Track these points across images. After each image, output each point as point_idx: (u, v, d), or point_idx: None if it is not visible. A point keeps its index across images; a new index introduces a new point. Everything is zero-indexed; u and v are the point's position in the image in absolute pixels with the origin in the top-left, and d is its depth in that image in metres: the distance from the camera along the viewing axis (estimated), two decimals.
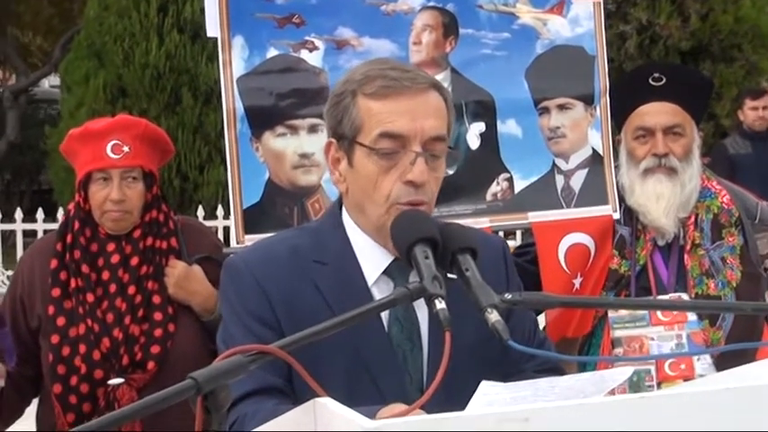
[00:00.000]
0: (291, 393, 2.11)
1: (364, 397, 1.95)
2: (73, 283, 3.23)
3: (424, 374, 2.18)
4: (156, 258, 3.29)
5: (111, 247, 3.28)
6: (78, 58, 10.26)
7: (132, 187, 3.25)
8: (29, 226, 9.89)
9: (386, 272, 2.21)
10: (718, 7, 10.03)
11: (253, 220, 3.17)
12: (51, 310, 3.23)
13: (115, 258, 3.26)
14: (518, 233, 8.42)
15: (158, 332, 3.23)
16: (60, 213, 9.29)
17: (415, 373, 2.18)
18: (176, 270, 3.28)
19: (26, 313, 3.30)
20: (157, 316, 3.25)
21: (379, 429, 1.34)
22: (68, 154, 3.36)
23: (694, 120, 3.36)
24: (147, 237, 3.29)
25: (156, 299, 3.26)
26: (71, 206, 3.36)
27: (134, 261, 3.26)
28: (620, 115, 3.44)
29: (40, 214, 9.73)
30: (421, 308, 2.16)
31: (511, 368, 2.29)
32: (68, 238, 3.28)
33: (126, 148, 3.23)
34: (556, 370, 2.34)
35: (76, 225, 3.28)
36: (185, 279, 3.29)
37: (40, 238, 3.87)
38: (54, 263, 3.26)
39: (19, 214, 9.94)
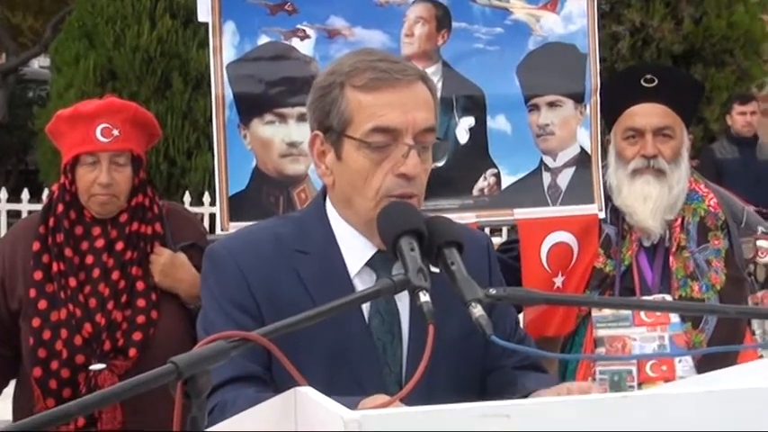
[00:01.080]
0: (271, 382, 2.11)
1: (343, 387, 1.94)
2: (55, 267, 3.21)
3: (403, 367, 2.17)
4: (141, 244, 3.28)
5: (96, 230, 3.26)
6: (69, 39, 10.22)
7: (121, 171, 3.24)
8: (13, 206, 9.84)
9: (369, 263, 2.20)
10: (712, 12, 10.06)
11: (238, 207, 3.16)
12: (33, 293, 3.21)
13: (100, 243, 3.25)
14: (504, 229, 8.44)
15: (141, 318, 3.22)
16: (46, 194, 9.25)
17: (394, 365, 2.17)
18: (162, 258, 3.27)
19: (6, 294, 3.28)
20: (141, 302, 3.23)
21: (358, 420, 1.33)
22: (55, 135, 3.33)
23: (684, 122, 3.36)
24: (133, 221, 3.28)
25: (140, 285, 3.25)
26: (55, 188, 3.34)
27: (119, 246, 3.25)
28: (610, 115, 3.44)
29: (25, 195, 9.69)
30: (402, 301, 2.16)
31: (491, 364, 2.30)
32: (51, 221, 3.26)
33: (116, 132, 3.22)
34: (536, 367, 2.34)
35: (60, 208, 3.26)
36: (171, 266, 3.27)
37: (22, 219, 3.85)
38: (36, 245, 3.24)
39: (3, 194, 9.90)
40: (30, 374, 3.20)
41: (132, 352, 3.19)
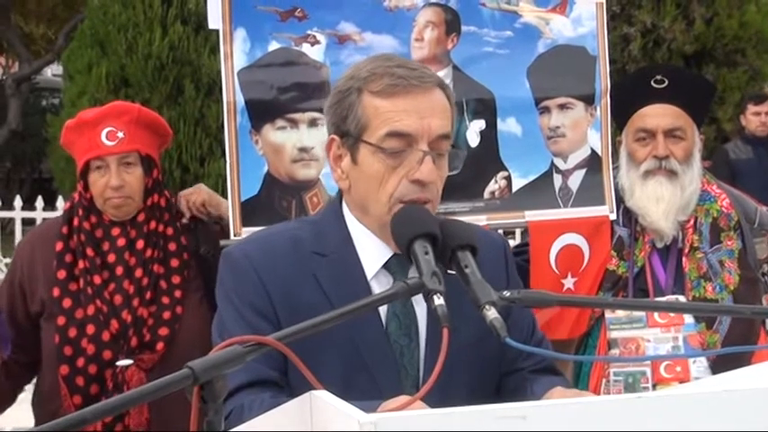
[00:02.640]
0: (287, 386, 2.11)
1: (360, 391, 1.95)
2: (81, 264, 3.25)
3: (420, 370, 2.18)
4: (161, 242, 3.31)
5: (115, 231, 3.30)
6: (81, 46, 10.24)
7: (131, 172, 3.27)
8: (28, 214, 9.88)
9: (385, 266, 2.21)
10: (723, 12, 10.02)
11: (250, 212, 3.18)
12: (57, 292, 3.24)
13: (121, 242, 3.28)
14: (518, 232, 8.42)
15: (167, 315, 3.25)
16: (60, 202, 9.29)
17: (411, 368, 2.18)
18: (200, 195, 3.40)
19: (26, 299, 3.31)
20: (165, 299, 3.27)
21: (374, 422, 1.34)
22: (67, 145, 3.38)
23: (696, 123, 3.36)
24: (151, 221, 3.31)
25: (163, 283, 3.29)
26: (75, 195, 3.38)
27: (139, 244, 3.28)
28: (621, 116, 3.43)
29: (39, 202, 9.73)
30: (419, 304, 2.16)
31: (508, 366, 2.30)
32: (75, 222, 3.30)
33: (120, 134, 3.24)
34: (551, 370, 2.34)
35: (80, 212, 3.31)
36: (210, 197, 3.39)
37: (39, 225, 3.89)
38: (59, 245, 3.28)
39: (18, 202, 9.94)
40: (55, 373, 3.22)
41: (159, 346, 3.22)
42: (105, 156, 3.24)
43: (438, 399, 1.69)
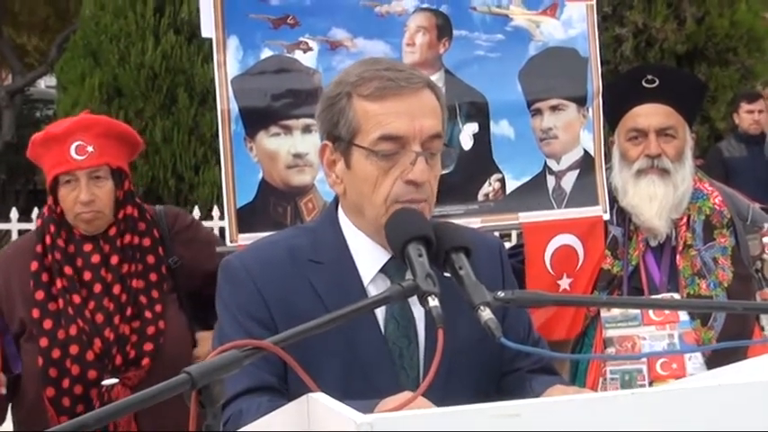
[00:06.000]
0: (286, 392, 2.12)
1: (360, 394, 1.95)
2: (59, 284, 3.21)
3: (420, 371, 2.18)
4: (137, 255, 3.28)
5: (88, 247, 3.26)
6: (74, 57, 10.24)
7: (101, 186, 3.23)
8: (23, 225, 9.86)
9: (383, 270, 2.21)
10: (714, 11, 10.03)
11: (246, 219, 3.19)
12: (36, 313, 3.20)
13: (95, 258, 3.24)
14: (513, 234, 8.41)
15: (151, 330, 3.23)
16: (36, 215, 9.27)
17: (411, 370, 2.19)
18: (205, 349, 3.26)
19: (4, 317, 3.26)
20: (148, 314, 3.24)
21: (371, 422, 1.35)
22: (36, 159, 3.32)
23: (687, 122, 3.38)
24: (125, 234, 3.27)
25: (143, 298, 3.25)
26: (45, 209, 3.33)
27: (114, 260, 3.25)
28: (613, 117, 3.45)
29: (35, 214, 9.71)
30: (417, 305, 2.17)
31: (506, 367, 2.31)
32: (47, 240, 3.26)
33: (90, 148, 3.20)
34: (548, 370, 2.35)
35: (52, 228, 3.26)
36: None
37: (11, 243, 3.82)
38: (35, 265, 3.24)
39: (14, 214, 9.92)
40: (37, 393, 3.20)
41: (145, 361, 3.20)
42: (74, 170, 3.20)
43: (439, 400, 1.70)
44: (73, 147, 3.20)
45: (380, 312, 2.18)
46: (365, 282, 2.21)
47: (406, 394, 1.81)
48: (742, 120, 9.20)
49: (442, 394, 1.77)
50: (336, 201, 2.30)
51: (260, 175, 3.22)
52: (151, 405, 1.45)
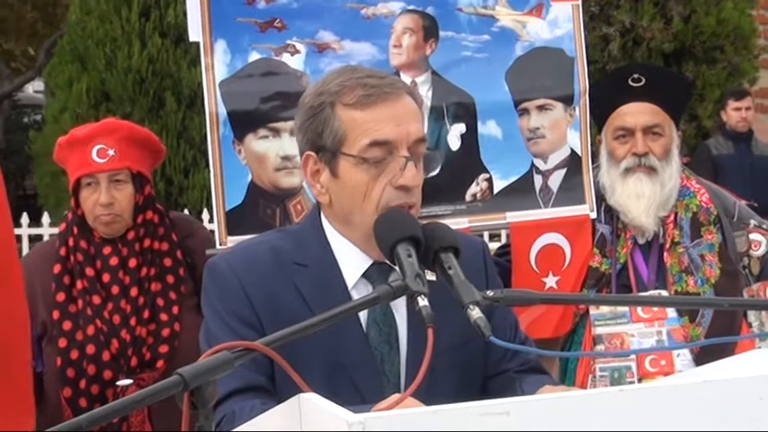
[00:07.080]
0: (275, 392, 2.14)
1: (343, 398, 1.95)
2: (79, 285, 3.26)
3: (401, 377, 2.20)
4: (156, 260, 3.32)
5: (107, 250, 3.30)
6: (61, 62, 10.22)
7: (121, 189, 3.28)
8: (35, 231, 9.84)
9: (365, 275, 2.23)
10: (701, 9, 10.05)
11: (235, 221, 3.20)
12: (56, 314, 3.25)
13: (113, 261, 3.29)
14: (503, 233, 8.43)
15: (166, 332, 3.27)
16: (45, 218, 9.24)
17: (392, 375, 2.20)
18: None
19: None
20: (164, 316, 3.29)
21: (362, 421, 1.36)
22: (61, 162, 3.40)
23: (673, 120, 3.40)
24: (144, 238, 3.32)
25: (160, 300, 3.29)
26: (69, 213, 3.39)
27: (132, 263, 3.29)
28: (600, 116, 3.47)
29: (24, 219, 9.69)
30: (399, 311, 2.19)
31: (492, 369, 2.32)
32: (71, 242, 3.31)
33: (111, 152, 3.26)
34: (537, 369, 2.36)
35: (75, 230, 3.32)
36: None
37: (36, 246, 3.85)
38: (57, 267, 3.29)
39: (25, 219, 9.90)
40: (59, 394, 3.23)
41: (160, 363, 3.24)
42: (95, 173, 3.26)
43: (423, 401, 1.71)
44: (95, 150, 3.25)
45: (363, 317, 2.19)
46: (348, 286, 2.22)
47: (396, 396, 1.82)
48: (729, 117, 9.23)
49: (426, 397, 1.78)
50: (318, 207, 2.31)
51: (249, 178, 3.23)
52: (145, 406, 1.47)
